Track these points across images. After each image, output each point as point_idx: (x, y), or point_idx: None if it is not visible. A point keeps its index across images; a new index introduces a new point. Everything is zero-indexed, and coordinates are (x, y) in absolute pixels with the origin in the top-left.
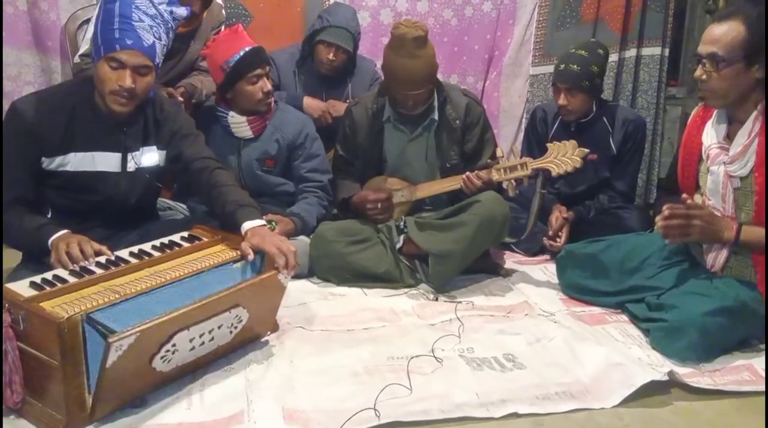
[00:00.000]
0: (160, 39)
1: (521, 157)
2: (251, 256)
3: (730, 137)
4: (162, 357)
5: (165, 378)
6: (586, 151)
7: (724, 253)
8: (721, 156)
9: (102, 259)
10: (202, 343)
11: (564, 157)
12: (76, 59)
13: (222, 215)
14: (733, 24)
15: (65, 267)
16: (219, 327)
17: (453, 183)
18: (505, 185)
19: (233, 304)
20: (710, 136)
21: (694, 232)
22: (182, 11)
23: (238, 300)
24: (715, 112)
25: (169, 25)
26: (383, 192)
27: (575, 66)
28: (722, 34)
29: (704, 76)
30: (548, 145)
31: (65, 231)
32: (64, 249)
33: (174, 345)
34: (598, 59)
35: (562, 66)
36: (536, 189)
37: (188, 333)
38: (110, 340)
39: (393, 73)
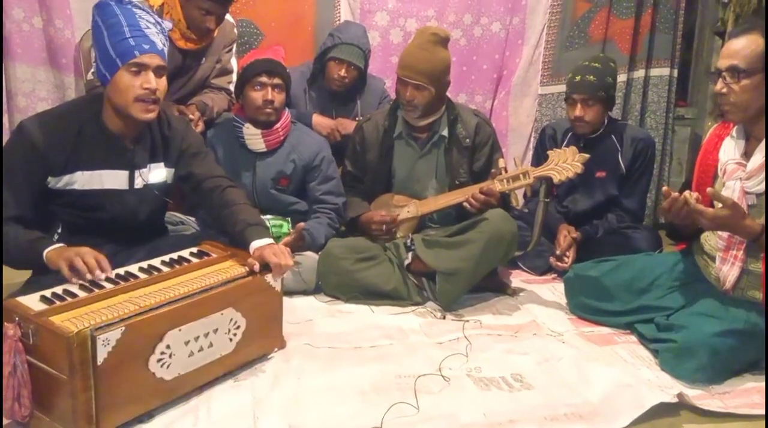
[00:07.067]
0: (164, 44)
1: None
2: (257, 267)
3: (747, 155)
4: (159, 361)
5: (169, 390)
6: (587, 156)
7: (736, 269)
8: (737, 171)
9: (111, 275)
10: (201, 348)
11: (565, 163)
12: (89, 76)
13: (232, 233)
14: (751, 37)
15: (82, 278)
16: (215, 332)
17: (458, 196)
18: (509, 194)
19: (223, 305)
20: (727, 152)
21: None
22: (168, 24)
23: (227, 300)
24: (734, 129)
25: (166, 34)
26: (389, 214)
27: (591, 77)
28: (741, 47)
29: (724, 90)
30: (549, 152)
31: (60, 244)
32: (68, 263)
33: (168, 347)
34: (611, 71)
35: (578, 77)
36: (539, 198)
37: (181, 333)
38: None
39: (400, 59)
